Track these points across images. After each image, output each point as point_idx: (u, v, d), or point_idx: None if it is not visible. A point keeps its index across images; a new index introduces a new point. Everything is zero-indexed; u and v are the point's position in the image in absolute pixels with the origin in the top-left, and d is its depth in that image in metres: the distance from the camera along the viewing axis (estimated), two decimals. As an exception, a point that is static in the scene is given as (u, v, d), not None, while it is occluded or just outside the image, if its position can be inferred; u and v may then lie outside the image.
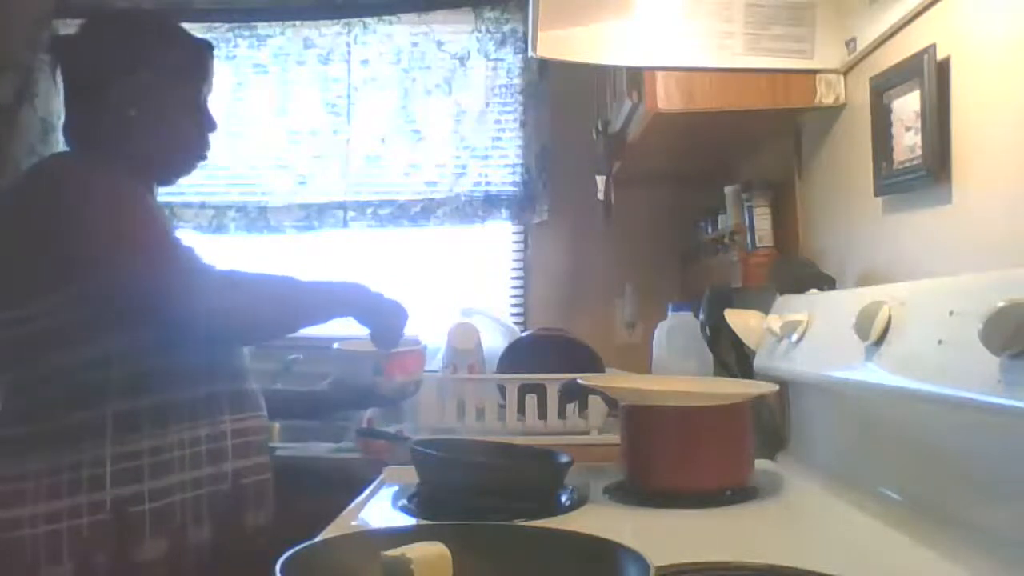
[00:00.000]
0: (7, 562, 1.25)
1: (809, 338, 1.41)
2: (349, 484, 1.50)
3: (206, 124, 1.53)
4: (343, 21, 2.87)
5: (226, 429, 1.41)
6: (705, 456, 1.34)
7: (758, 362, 1.62)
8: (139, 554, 1.29)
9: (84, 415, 1.31)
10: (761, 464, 1.49)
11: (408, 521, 1.25)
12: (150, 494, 1.30)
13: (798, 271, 1.66)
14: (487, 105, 2.84)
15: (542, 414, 1.95)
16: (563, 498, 1.34)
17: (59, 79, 1.51)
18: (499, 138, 2.85)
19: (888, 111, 1.37)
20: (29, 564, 1.24)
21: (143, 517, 1.29)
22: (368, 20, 2.86)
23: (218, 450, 1.39)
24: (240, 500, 1.41)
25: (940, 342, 0.98)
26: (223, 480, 1.39)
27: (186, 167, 1.54)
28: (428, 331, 2.55)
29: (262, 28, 2.87)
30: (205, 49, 1.54)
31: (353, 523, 1.25)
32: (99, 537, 1.27)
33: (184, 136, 1.51)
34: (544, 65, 2.77)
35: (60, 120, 2.77)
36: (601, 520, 1.21)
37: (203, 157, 1.55)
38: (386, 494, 1.41)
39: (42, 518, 1.25)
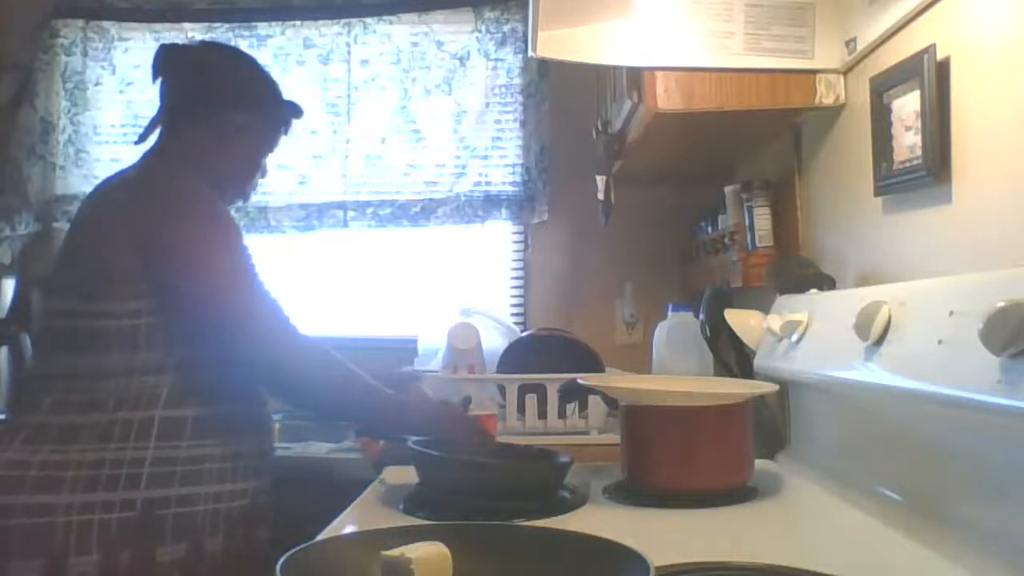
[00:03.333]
0: (36, 546, 1.28)
1: (809, 338, 1.41)
2: (349, 484, 1.50)
3: (263, 171, 1.68)
4: (343, 21, 2.87)
5: (251, 449, 1.47)
6: (705, 456, 1.34)
7: (758, 362, 1.62)
8: (158, 555, 1.33)
9: (134, 415, 1.36)
10: (761, 464, 1.49)
11: (408, 521, 1.25)
12: (177, 500, 1.35)
13: (798, 271, 1.66)
14: (487, 105, 2.84)
15: (542, 414, 1.94)
16: (563, 498, 1.33)
17: (157, 86, 1.60)
18: (499, 138, 2.85)
19: (888, 111, 1.37)
20: (58, 551, 1.28)
21: (166, 521, 1.34)
22: (368, 20, 2.86)
23: (244, 468, 1.45)
24: (253, 516, 1.46)
25: (940, 342, 0.98)
26: (243, 496, 1.44)
27: (234, 201, 1.66)
28: (428, 331, 2.56)
29: (262, 28, 2.87)
30: (295, 111, 1.67)
31: (353, 523, 1.25)
32: (125, 534, 1.31)
33: (247, 175, 1.64)
34: (544, 65, 2.77)
35: (60, 120, 2.78)
36: (601, 520, 1.21)
37: (247, 198, 1.70)
38: (386, 494, 1.41)
39: (76, 508, 1.29)
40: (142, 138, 1.60)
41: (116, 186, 1.53)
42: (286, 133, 1.68)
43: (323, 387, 1.45)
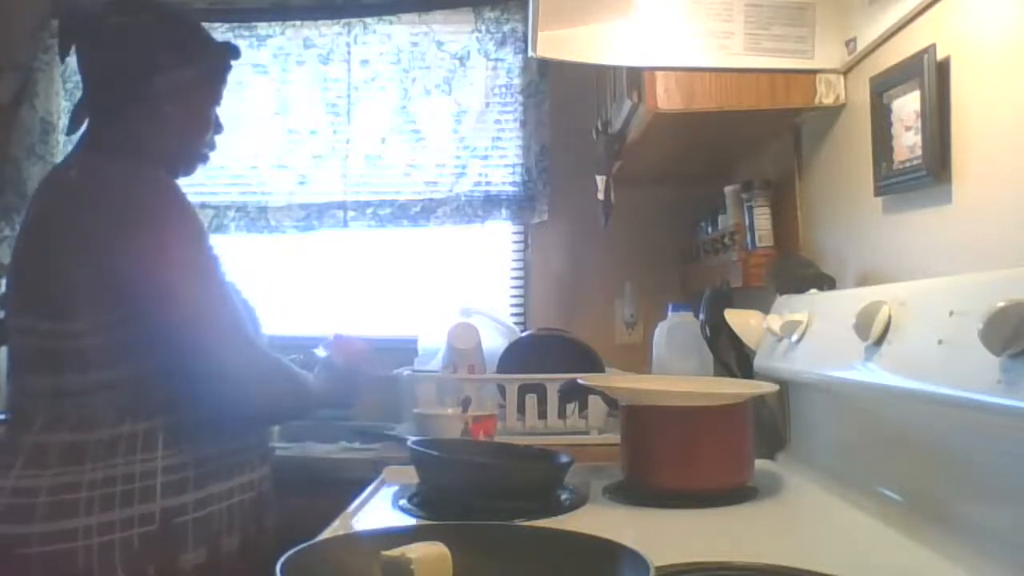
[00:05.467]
0: (59, 573, 1.25)
1: (809, 338, 1.41)
2: (349, 484, 1.50)
3: (216, 126, 1.56)
4: (343, 21, 2.86)
5: (252, 441, 1.46)
6: (705, 456, 1.34)
7: (758, 362, 1.62)
8: (182, 563, 1.31)
9: (136, 427, 1.32)
10: (761, 464, 1.49)
11: (408, 521, 1.25)
12: (193, 505, 1.33)
13: (798, 271, 1.66)
14: (487, 105, 2.84)
15: (542, 414, 1.95)
16: (563, 498, 1.34)
17: (71, 59, 1.48)
18: (499, 138, 2.84)
19: (888, 111, 1.37)
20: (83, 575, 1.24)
21: (186, 527, 1.32)
22: (368, 20, 2.86)
23: (248, 461, 1.44)
24: (261, 507, 1.46)
25: (940, 342, 0.98)
26: (250, 489, 1.43)
27: (193, 167, 1.55)
28: (428, 331, 2.56)
29: (262, 28, 2.86)
30: (231, 52, 1.56)
31: (353, 523, 1.25)
32: (148, 548, 1.28)
33: (199, 137, 1.53)
34: (544, 65, 2.76)
35: (60, 120, 2.75)
36: (601, 520, 1.21)
37: (207, 159, 1.57)
38: (386, 494, 1.41)
39: (95, 529, 1.26)
40: (72, 127, 1.47)
41: (58, 189, 1.41)
42: (225, 77, 1.54)
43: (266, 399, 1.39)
